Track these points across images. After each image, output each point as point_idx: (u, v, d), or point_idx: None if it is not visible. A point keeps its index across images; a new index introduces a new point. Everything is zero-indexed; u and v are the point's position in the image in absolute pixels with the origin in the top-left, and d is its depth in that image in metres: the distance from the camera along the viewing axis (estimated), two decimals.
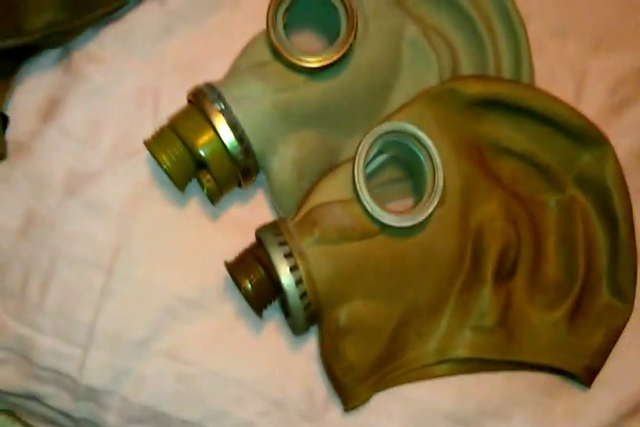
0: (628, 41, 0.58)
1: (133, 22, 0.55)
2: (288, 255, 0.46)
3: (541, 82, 0.54)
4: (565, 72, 0.57)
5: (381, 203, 0.48)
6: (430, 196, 0.47)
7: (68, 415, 0.52)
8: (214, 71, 0.52)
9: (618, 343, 0.51)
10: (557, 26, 0.57)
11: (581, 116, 0.51)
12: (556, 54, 0.57)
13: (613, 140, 0.54)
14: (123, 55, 0.55)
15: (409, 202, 0.52)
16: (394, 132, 0.48)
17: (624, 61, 0.57)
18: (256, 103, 0.49)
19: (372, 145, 0.48)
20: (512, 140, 0.52)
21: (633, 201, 0.53)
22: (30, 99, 0.54)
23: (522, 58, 0.54)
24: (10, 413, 0.57)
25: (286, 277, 0.46)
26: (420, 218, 0.47)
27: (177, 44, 0.55)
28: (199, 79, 0.51)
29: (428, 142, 0.48)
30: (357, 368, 0.47)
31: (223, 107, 0.48)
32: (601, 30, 0.58)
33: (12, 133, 0.53)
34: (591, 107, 0.56)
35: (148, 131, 0.50)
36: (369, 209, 0.46)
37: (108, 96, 0.54)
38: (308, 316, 0.47)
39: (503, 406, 0.51)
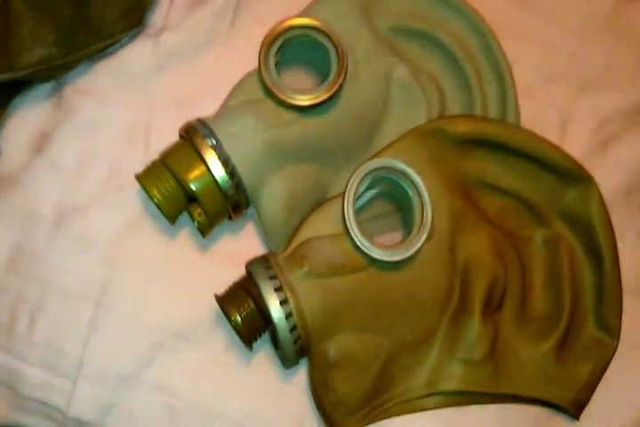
0: (613, 82, 0.59)
1: (126, 58, 0.56)
2: (278, 289, 0.46)
3: (528, 122, 0.55)
4: (552, 113, 0.58)
5: (370, 237, 0.48)
6: (419, 231, 0.48)
7: None
8: (206, 107, 0.52)
9: (605, 376, 0.51)
10: (544, 69, 0.59)
11: (566, 155, 0.52)
12: (543, 96, 0.58)
13: (598, 178, 0.54)
14: (114, 90, 0.55)
15: (398, 236, 0.52)
16: (383, 168, 0.49)
17: (609, 101, 0.58)
18: (247, 139, 0.49)
19: (361, 180, 0.48)
20: (499, 177, 0.52)
21: (619, 237, 0.53)
22: (21, 132, 0.54)
23: (508, 100, 0.55)
24: None
25: (276, 311, 0.45)
26: (409, 253, 0.47)
27: (169, 80, 0.56)
28: (191, 115, 0.51)
29: (417, 179, 0.48)
30: (347, 402, 0.47)
31: (215, 142, 0.49)
32: (587, 73, 0.59)
33: (2, 166, 0.53)
34: (576, 145, 0.57)
35: (139, 165, 0.51)
36: (358, 244, 0.47)
37: (98, 130, 0.54)
38: (297, 349, 0.47)
39: None
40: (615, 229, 0.54)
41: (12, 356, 0.51)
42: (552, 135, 0.56)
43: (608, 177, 0.56)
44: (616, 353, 0.51)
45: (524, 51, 0.58)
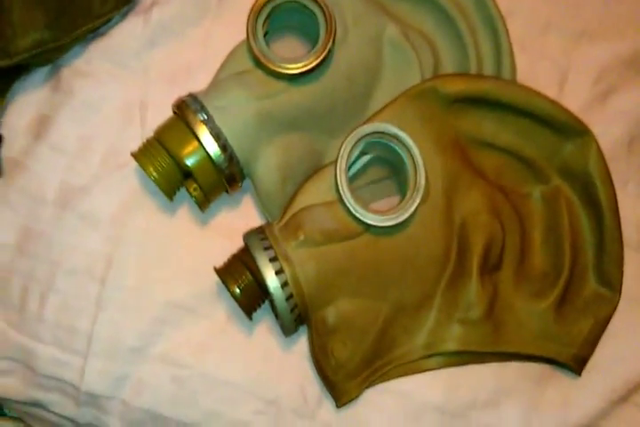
0: (609, 31, 0.58)
1: (119, 36, 0.56)
2: (273, 259, 0.47)
3: (525, 76, 0.55)
4: (549, 65, 0.57)
5: (365, 203, 0.49)
6: (412, 194, 0.48)
7: (72, 421, 0.53)
8: (200, 81, 0.53)
9: (607, 331, 0.51)
10: (539, 21, 0.58)
11: (563, 109, 0.52)
12: (539, 49, 0.57)
13: (599, 129, 0.54)
14: (110, 69, 0.56)
15: (395, 200, 0.52)
16: (375, 133, 0.49)
17: (606, 51, 0.58)
18: (238, 111, 0.50)
19: (353, 147, 0.49)
20: (495, 134, 0.53)
21: (620, 189, 0.54)
22: (21, 117, 0.55)
23: (503, 55, 0.54)
24: (19, 420, 0.58)
25: (272, 281, 0.47)
26: (403, 217, 0.47)
27: (161, 56, 0.56)
28: (185, 89, 0.52)
29: (410, 142, 0.48)
30: (347, 366, 0.48)
31: (206, 117, 0.49)
32: (581, 23, 0.58)
33: (5, 151, 0.54)
34: (575, 97, 0.57)
35: (137, 143, 0.52)
36: (352, 210, 0.47)
37: (96, 111, 0.55)
38: (295, 317, 0.48)
39: (493, 397, 0.52)
40: (617, 180, 0.54)
41: (25, 335, 0.52)
42: (550, 88, 0.56)
43: (609, 128, 0.57)
44: (618, 307, 0.51)
45: (517, 2, 0.57)
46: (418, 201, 0.48)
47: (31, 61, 0.54)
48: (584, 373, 0.52)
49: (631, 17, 0.58)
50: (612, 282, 0.51)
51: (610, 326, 0.51)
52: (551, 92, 0.55)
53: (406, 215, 0.47)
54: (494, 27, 0.55)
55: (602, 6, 0.58)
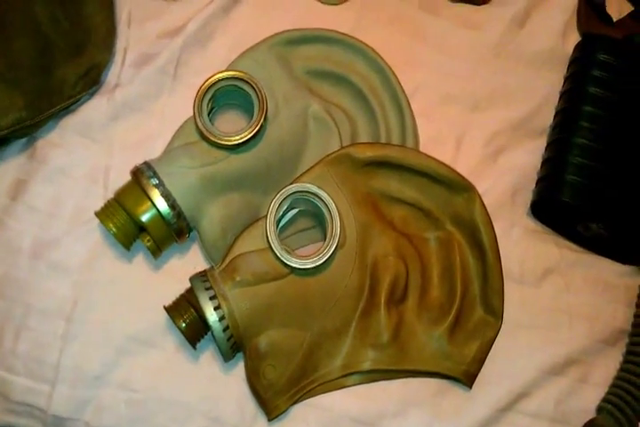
0: (499, 100, 0.62)
1: (86, 113, 0.59)
2: (213, 297, 0.50)
3: (429, 140, 0.59)
4: (447, 131, 0.61)
5: (290, 249, 0.52)
6: (329, 242, 0.52)
7: None
8: (156, 149, 0.56)
9: (492, 351, 0.55)
10: (439, 94, 0.62)
11: (452, 170, 0.56)
12: (439, 118, 0.61)
13: (489, 183, 0.59)
14: (78, 141, 0.58)
15: (320, 245, 0.55)
16: (299, 191, 0.53)
17: (496, 118, 0.61)
18: (185, 176, 0.53)
19: (281, 203, 0.52)
20: (400, 190, 0.56)
21: (506, 233, 0.58)
22: (1, 181, 0.57)
23: (407, 126, 0.59)
24: None
25: (211, 315, 0.50)
26: (321, 260, 0.51)
27: (124, 128, 0.59)
28: (142, 157, 0.55)
29: (328, 199, 0.52)
30: (276, 385, 0.51)
31: (157, 181, 0.53)
32: (474, 94, 0.62)
33: None
34: (470, 157, 0.60)
35: (100, 203, 0.54)
36: (279, 255, 0.51)
37: (66, 176, 0.58)
38: (231, 345, 0.51)
39: (401, 408, 0.54)
40: (503, 226, 0.58)
41: (1, 368, 0.54)
42: (448, 150, 0.60)
43: (498, 182, 0.60)
44: (502, 331, 0.55)
45: (421, 78, 0.62)
46: (334, 247, 0.51)
47: (10, 136, 0.57)
48: (474, 386, 0.54)
49: (518, 87, 0.62)
50: (494, 310, 0.55)
51: (495, 347, 0.54)
52: (449, 153, 0.60)
53: (324, 259, 0.51)
54: (399, 103, 0.59)
55: (491, 78, 0.62)
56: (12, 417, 0.54)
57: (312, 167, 0.55)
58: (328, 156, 0.55)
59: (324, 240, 0.52)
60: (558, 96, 0.63)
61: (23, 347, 0.54)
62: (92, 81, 0.60)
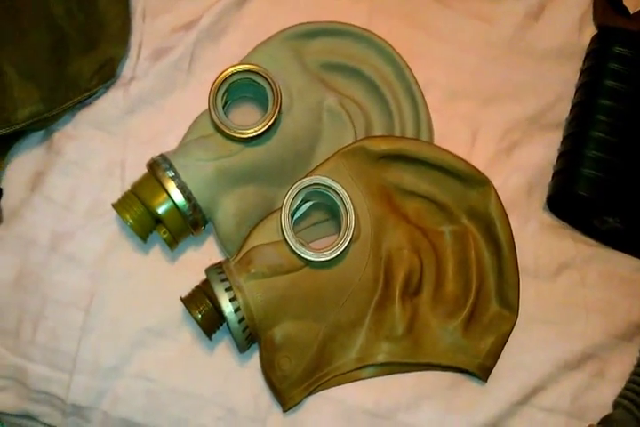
0: (512, 95, 0.61)
1: (102, 106, 0.59)
2: (228, 289, 0.50)
3: (442, 135, 0.59)
4: (461, 126, 0.61)
5: (305, 242, 0.52)
6: (344, 234, 0.52)
7: None
8: (170, 143, 0.56)
9: (508, 344, 0.54)
10: (452, 89, 0.61)
11: (467, 163, 0.55)
12: (453, 113, 0.61)
13: (504, 178, 0.58)
14: (94, 134, 0.59)
15: (335, 238, 0.55)
16: (314, 184, 0.52)
17: (510, 113, 0.61)
18: (200, 169, 0.53)
19: (295, 196, 0.52)
20: (415, 184, 0.56)
21: (522, 227, 0.58)
22: (19, 173, 0.58)
23: (421, 118, 0.59)
24: None
25: (227, 307, 0.50)
26: (336, 253, 0.51)
27: (138, 122, 0.59)
28: (157, 150, 0.55)
29: (342, 191, 0.52)
30: (291, 377, 0.51)
31: (173, 174, 0.53)
32: (488, 89, 0.62)
33: (5, 202, 0.57)
34: (484, 152, 0.60)
35: (117, 195, 0.55)
36: (293, 248, 0.51)
37: (82, 168, 0.58)
38: (247, 336, 0.51)
39: (414, 401, 0.54)
40: (518, 219, 0.58)
41: (19, 356, 0.54)
42: (464, 145, 0.60)
43: (513, 177, 0.60)
44: (517, 325, 0.55)
45: (434, 72, 0.61)
46: (348, 240, 0.51)
47: (28, 128, 0.57)
48: (489, 380, 0.54)
49: (532, 81, 0.61)
50: (510, 304, 0.54)
51: (510, 340, 0.54)
52: (464, 148, 0.59)
53: (338, 252, 0.51)
54: (413, 96, 0.59)
55: (505, 72, 0.62)
56: (31, 405, 0.55)
57: (326, 160, 0.55)
58: (342, 148, 0.55)
59: (339, 233, 0.52)
60: (574, 90, 0.62)
61: (41, 337, 0.55)
62: (107, 74, 0.60)
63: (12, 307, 0.56)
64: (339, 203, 0.53)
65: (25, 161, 0.59)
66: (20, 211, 0.57)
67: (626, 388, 0.55)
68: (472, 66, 0.62)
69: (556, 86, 0.62)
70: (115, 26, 0.61)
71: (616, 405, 0.55)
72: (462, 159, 0.56)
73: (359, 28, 0.60)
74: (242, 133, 0.54)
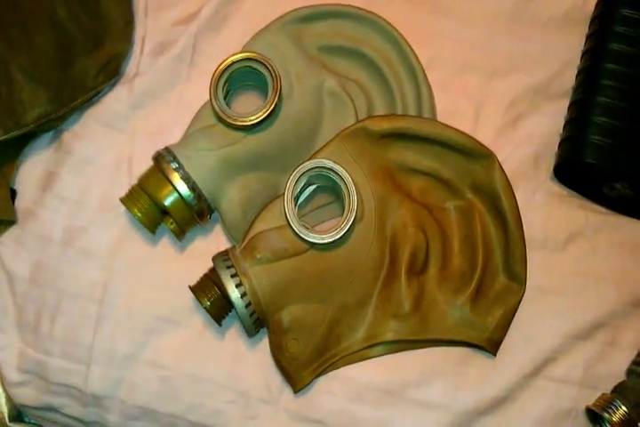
0: (517, 67, 0.60)
1: (108, 104, 0.60)
2: (234, 275, 0.50)
3: (446, 111, 0.58)
4: (466, 101, 0.60)
5: (309, 225, 0.52)
6: (347, 215, 0.51)
7: (80, 420, 0.56)
8: (175, 135, 0.57)
9: (516, 317, 0.54)
10: (456, 64, 0.60)
11: (470, 137, 0.55)
12: (459, 87, 0.60)
13: (511, 150, 0.57)
14: (102, 131, 0.59)
15: (339, 220, 0.55)
16: (315, 167, 0.52)
17: (515, 84, 0.60)
18: (203, 159, 0.53)
19: (298, 180, 0.52)
20: (417, 161, 0.55)
21: (529, 198, 0.56)
22: (31, 174, 0.59)
23: (423, 97, 0.58)
24: (38, 426, 0.61)
25: (233, 292, 0.50)
26: (339, 235, 0.51)
27: (144, 117, 0.60)
28: (163, 143, 0.55)
29: (344, 173, 0.52)
30: (299, 358, 0.51)
31: (177, 165, 0.53)
32: (493, 62, 0.60)
33: (19, 202, 0.59)
34: (490, 125, 0.59)
35: (125, 189, 0.55)
36: (297, 231, 0.51)
37: (91, 165, 0.59)
38: (254, 321, 0.51)
39: (424, 377, 0.54)
40: (526, 191, 0.57)
41: (38, 350, 0.56)
42: (468, 119, 0.59)
43: (519, 149, 0.59)
44: (528, 297, 0.54)
45: (437, 48, 0.60)
46: (352, 221, 0.51)
47: (37, 129, 0.58)
48: (498, 353, 0.54)
49: (537, 52, 0.60)
50: (517, 276, 0.54)
51: (520, 313, 0.53)
52: (468, 123, 0.58)
53: (342, 233, 0.50)
54: (415, 75, 0.58)
55: (509, 44, 0.60)
56: (52, 397, 0.56)
57: (328, 143, 0.55)
58: (344, 130, 0.55)
59: (342, 214, 0.51)
60: (579, 57, 0.60)
61: (59, 331, 0.56)
62: (112, 72, 0.60)
63: (31, 302, 0.57)
64: (341, 184, 0.52)
65: (36, 162, 0.59)
66: (33, 210, 0.58)
67: (639, 354, 0.53)
68: (476, 39, 0.61)
69: (562, 54, 0.61)
70: (119, 24, 0.61)
71: (629, 372, 0.54)
72: (465, 134, 0.55)
73: (360, 8, 0.59)
74: (243, 121, 0.53)
